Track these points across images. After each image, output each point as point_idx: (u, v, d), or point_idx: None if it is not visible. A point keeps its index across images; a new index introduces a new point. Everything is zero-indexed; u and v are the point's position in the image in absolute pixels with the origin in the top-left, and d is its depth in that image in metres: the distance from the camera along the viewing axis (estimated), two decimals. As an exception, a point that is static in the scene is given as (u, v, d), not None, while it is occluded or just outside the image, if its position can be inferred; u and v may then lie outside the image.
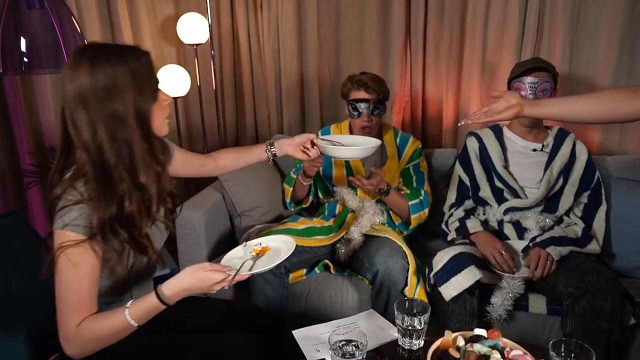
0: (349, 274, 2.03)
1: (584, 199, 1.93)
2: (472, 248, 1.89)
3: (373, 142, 1.64)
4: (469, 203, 2.10)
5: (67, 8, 1.76)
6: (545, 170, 1.95)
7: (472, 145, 2.09)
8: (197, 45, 2.64)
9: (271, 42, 2.86)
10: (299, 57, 2.84)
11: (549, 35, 2.38)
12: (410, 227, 2.15)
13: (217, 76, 2.83)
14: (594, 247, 1.84)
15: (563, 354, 1.09)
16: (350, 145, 1.63)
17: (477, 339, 1.14)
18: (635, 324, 1.63)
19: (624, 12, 2.22)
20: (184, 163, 1.51)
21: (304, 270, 2.03)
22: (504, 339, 1.14)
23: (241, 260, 1.26)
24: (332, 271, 2.03)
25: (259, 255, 1.30)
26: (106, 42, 1.15)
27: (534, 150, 2.00)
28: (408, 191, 2.14)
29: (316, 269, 2.04)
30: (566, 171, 1.96)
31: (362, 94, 2.05)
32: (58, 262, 1.06)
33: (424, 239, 2.33)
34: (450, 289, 1.69)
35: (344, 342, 1.21)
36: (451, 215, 2.10)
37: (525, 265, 1.78)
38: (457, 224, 2.02)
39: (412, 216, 2.09)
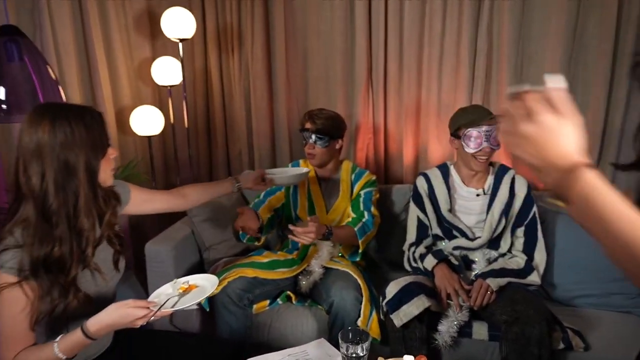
0: (309, 304, 2.15)
1: (520, 233, 2.09)
2: (423, 277, 2.04)
3: (298, 171, 2.16)
4: (427, 241, 2.21)
5: (43, 59, 1.90)
6: (487, 213, 2.08)
7: (422, 185, 2.23)
8: (171, 86, 2.80)
9: (242, 82, 3.03)
10: (269, 96, 3.02)
11: (497, 80, 2.59)
12: (360, 252, 2.24)
13: (189, 115, 2.98)
14: (534, 278, 2.00)
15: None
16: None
17: (405, 365, 1.28)
18: (564, 348, 1.78)
19: (562, 63, 2.44)
20: (144, 201, 1.66)
21: (267, 301, 2.15)
22: (428, 365, 1.28)
23: (168, 296, 1.39)
24: (294, 302, 2.15)
25: (185, 292, 1.43)
26: (64, 102, 1.30)
27: (477, 195, 2.13)
28: (354, 215, 2.25)
29: (279, 299, 2.16)
30: (506, 211, 2.08)
31: (308, 124, 2.23)
32: None
33: (387, 269, 2.48)
34: (400, 316, 1.83)
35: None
36: (413, 252, 2.18)
37: (469, 295, 1.93)
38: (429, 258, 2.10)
39: (360, 240, 2.17)
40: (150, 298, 1.40)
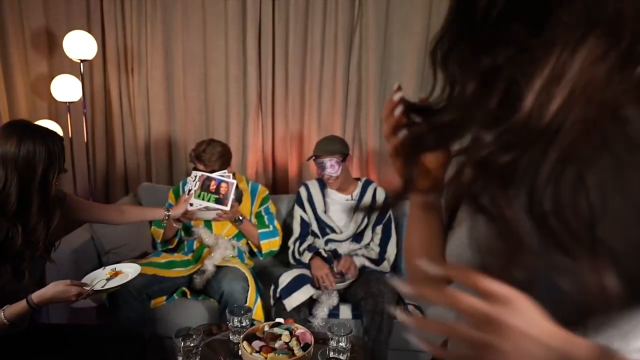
0: (202, 298, 2.43)
1: (379, 230, 2.57)
2: (307, 270, 2.44)
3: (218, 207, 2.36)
4: (309, 239, 2.64)
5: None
6: (354, 214, 2.59)
7: (302, 193, 2.67)
8: (70, 102, 2.95)
9: (141, 101, 3.25)
10: (167, 115, 3.27)
11: (365, 107, 3.10)
12: (263, 252, 2.63)
13: (88, 129, 3.14)
14: (385, 265, 2.50)
15: (334, 332, 1.63)
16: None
17: (278, 325, 1.63)
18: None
19: (416, 94, 3.01)
20: (81, 210, 1.87)
21: (164, 297, 2.40)
22: (295, 324, 1.65)
23: (98, 279, 1.66)
24: (189, 297, 2.42)
25: (112, 276, 1.72)
26: (32, 123, 1.53)
27: (347, 200, 2.62)
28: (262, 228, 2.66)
29: (175, 295, 2.42)
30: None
31: (201, 167, 2.46)
32: None
33: (273, 269, 2.83)
34: (292, 302, 2.23)
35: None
36: (299, 246, 2.60)
37: (337, 272, 2.36)
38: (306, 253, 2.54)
39: (262, 242, 2.59)
40: (84, 280, 1.66)
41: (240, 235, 2.66)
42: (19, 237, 1.47)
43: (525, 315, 0.46)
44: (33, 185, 1.48)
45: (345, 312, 2.34)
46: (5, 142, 1.45)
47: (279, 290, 2.31)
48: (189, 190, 2.29)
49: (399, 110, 0.64)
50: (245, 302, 2.27)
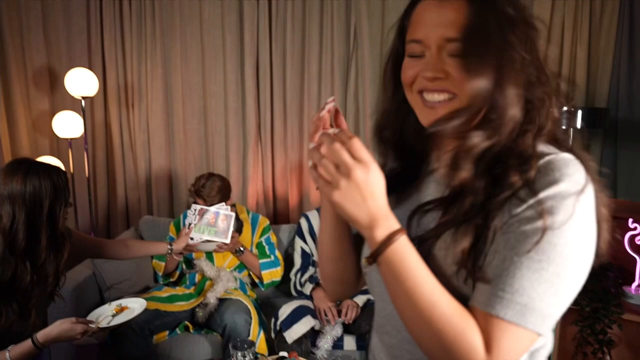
0: (205, 332, 2.41)
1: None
2: (308, 301, 2.43)
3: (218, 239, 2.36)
4: (311, 270, 2.63)
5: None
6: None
7: (303, 224, 2.68)
8: (71, 138, 2.98)
9: (142, 135, 3.28)
10: (167, 148, 3.30)
11: (364, 137, 3.13)
12: (265, 283, 2.62)
13: (90, 164, 3.16)
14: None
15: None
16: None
17: (282, 359, 1.62)
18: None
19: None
20: (89, 247, 1.87)
21: (167, 332, 2.38)
22: (300, 358, 1.64)
23: (103, 316, 1.66)
24: (191, 331, 2.41)
25: (118, 312, 1.70)
26: (36, 160, 1.56)
27: None
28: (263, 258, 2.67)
29: (177, 329, 2.40)
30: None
31: (201, 202, 2.49)
32: None
33: (276, 300, 2.82)
34: (292, 334, 2.21)
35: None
36: (300, 277, 2.59)
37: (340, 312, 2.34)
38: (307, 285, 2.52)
39: (263, 272, 2.60)
40: (89, 317, 1.66)
41: (242, 267, 2.66)
42: (27, 275, 1.47)
43: (369, 178, 0.63)
44: (41, 221, 1.49)
45: (350, 343, 2.32)
46: (10, 180, 1.47)
47: (279, 322, 2.29)
48: (189, 224, 2.30)
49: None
50: (248, 335, 2.26)
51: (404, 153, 0.84)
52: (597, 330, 2.01)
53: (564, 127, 2.66)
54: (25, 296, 1.48)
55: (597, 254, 0.68)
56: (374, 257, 0.66)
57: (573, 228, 0.64)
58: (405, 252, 0.66)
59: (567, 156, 0.67)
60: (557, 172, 0.65)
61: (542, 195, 0.64)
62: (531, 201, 0.64)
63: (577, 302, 2.24)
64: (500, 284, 0.64)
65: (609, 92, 2.94)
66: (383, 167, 0.80)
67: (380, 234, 0.65)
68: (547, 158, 0.66)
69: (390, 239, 0.65)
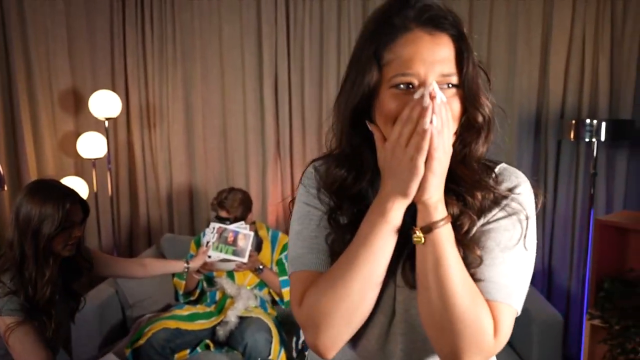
0: (226, 350, 2.41)
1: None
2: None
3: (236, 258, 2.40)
4: None
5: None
6: None
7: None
8: (95, 159, 3.04)
9: (163, 154, 3.33)
10: (188, 166, 3.34)
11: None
12: (285, 300, 2.61)
13: (113, 183, 3.22)
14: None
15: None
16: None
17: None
18: None
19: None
20: (105, 266, 1.87)
21: (188, 350, 2.38)
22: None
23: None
24: (212, 349, 2.40)
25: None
26: (54, 183, 1.58)
27: None
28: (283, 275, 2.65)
29: (198, 348, 2.40)
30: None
31: (224, 214, 2.55)
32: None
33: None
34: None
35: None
36: None
37: None
38: None
39: (283, 289, 2.58)
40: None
41: (262, 285, 2.65)
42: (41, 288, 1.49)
43: (446, 145, 0.69)
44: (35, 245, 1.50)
45: None
46: (28, 201, 1.50)
47: (300, 342, 2.27)
48: (207, 242, 2.31)
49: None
50: (269, 354, 2.24)
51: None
52: (627, 349, 1.94)
53: (587, 140, 2.61)
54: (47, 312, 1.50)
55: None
56: (430, 229, 0.71)
57: (534, 219, 0.78)
58: (451, 234, 0.73)
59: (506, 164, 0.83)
60: (514, 176, 0.80)
61: (513, 196, 0.77)
62: (504, 202, 0.77)
63: (605, 319, 2.17)
64: (494, 275, 0.74)
65: (634, 102, 2.86)
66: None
67: (443, 210, 0.72)
68: (501, 165, 0.81)
69: (446, 218, 0.72)
